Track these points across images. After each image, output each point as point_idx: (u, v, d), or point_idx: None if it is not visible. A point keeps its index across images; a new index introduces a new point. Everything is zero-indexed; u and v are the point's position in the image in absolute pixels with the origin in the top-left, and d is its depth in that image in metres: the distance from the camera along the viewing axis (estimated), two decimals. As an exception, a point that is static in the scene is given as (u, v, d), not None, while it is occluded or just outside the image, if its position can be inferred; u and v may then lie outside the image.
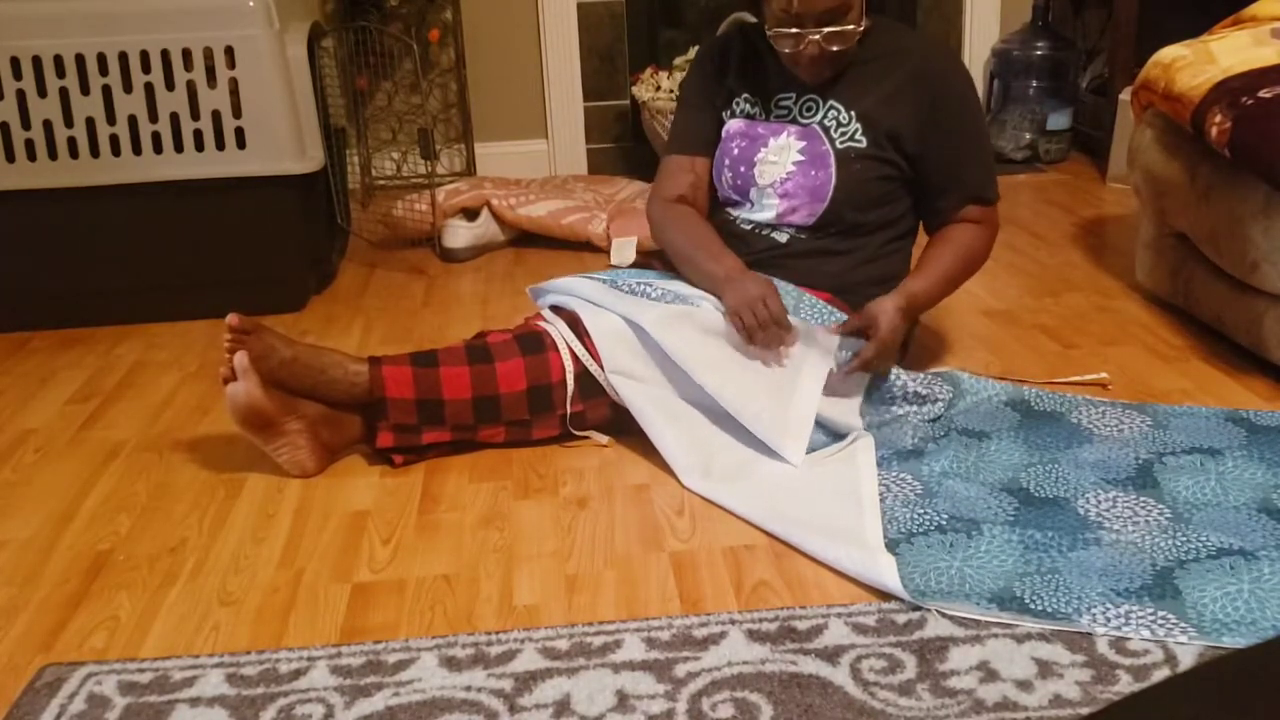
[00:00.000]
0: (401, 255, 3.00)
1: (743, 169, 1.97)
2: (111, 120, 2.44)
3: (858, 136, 1.91)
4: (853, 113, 1.91)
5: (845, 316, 1.91)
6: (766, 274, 1.91)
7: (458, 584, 1.54)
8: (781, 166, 1.93)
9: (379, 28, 3.22)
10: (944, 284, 1.95)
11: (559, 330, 1.86)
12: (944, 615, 1.41)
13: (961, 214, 1.97)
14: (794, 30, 1.83)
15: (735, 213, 2.01)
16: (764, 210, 1.96)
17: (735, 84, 2.02)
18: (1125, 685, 1.29)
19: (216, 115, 2.45)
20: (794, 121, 1.95)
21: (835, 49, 1.85)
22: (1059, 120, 3.60)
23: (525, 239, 3.04)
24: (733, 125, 2.01)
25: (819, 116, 1.93)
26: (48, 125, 2.43)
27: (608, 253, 2.88)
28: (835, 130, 1.92)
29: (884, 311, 1.85)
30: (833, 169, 1.91)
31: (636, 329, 1.84)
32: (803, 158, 1.92)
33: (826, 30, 1.83)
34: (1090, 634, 1.37)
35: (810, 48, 1.84)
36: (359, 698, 1.32)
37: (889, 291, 2.01)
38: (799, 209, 1.93)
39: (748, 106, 2.00)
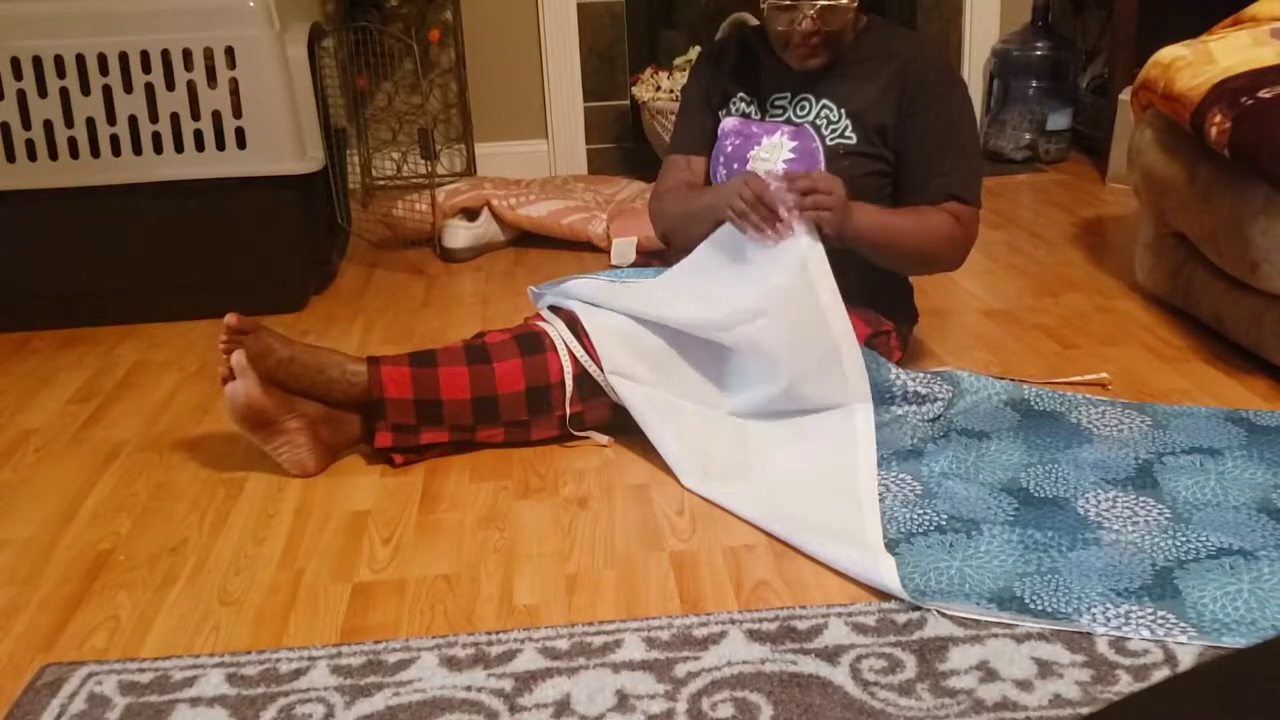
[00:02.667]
0: (401, 255, 3.00)
1: (736, 166, 1.98)
2: (112, 120, 2.44)
3: (847, 133, 1.92)
4: (843, 110, 1.92)
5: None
6: None
7: (458, 584, 1.54)
8: (773, 163, 1.94)
9: (379, 28, 3.22)
10: (888, 232, 1.86)
11: (558, 331, 1.86)
12: (944, 615, 1.41)
13: (943, 206, 1.92)
14: (789, 3, 1.85)
15: None
16: None
17: (731, 84, 2.04)
18: (1125, 685, 1.29)
19: (217, 115, 2.45)
20: (788, 121, 1.96)
21: (828, 29, 1.86)
22: (1059, 120, 3.60)
23: (525, 239, 3.04)
24: (728, 123, 2.02)
25: (811, 114, 1.94)
26: (48, 125, 2.43)
27: (608, 253, 2.88)
28: (826, 128, 1.93)
29: (836, 179, 1.78)
30: (821, 165, 1.92)
31: (640, 324, 1.85)
32: (794, 156, 1.93)
33: (820, 5, 1.83)
34: (1090, 634, 1.37)
35: (804, 23, 1.85)
36: (359, 698, 1.32)
37: (891, 299, 2.02)
38: None
39: (743, 105, 2.02)
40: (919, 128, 1.91)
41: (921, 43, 2.01)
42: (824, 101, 1.94)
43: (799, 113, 1.95)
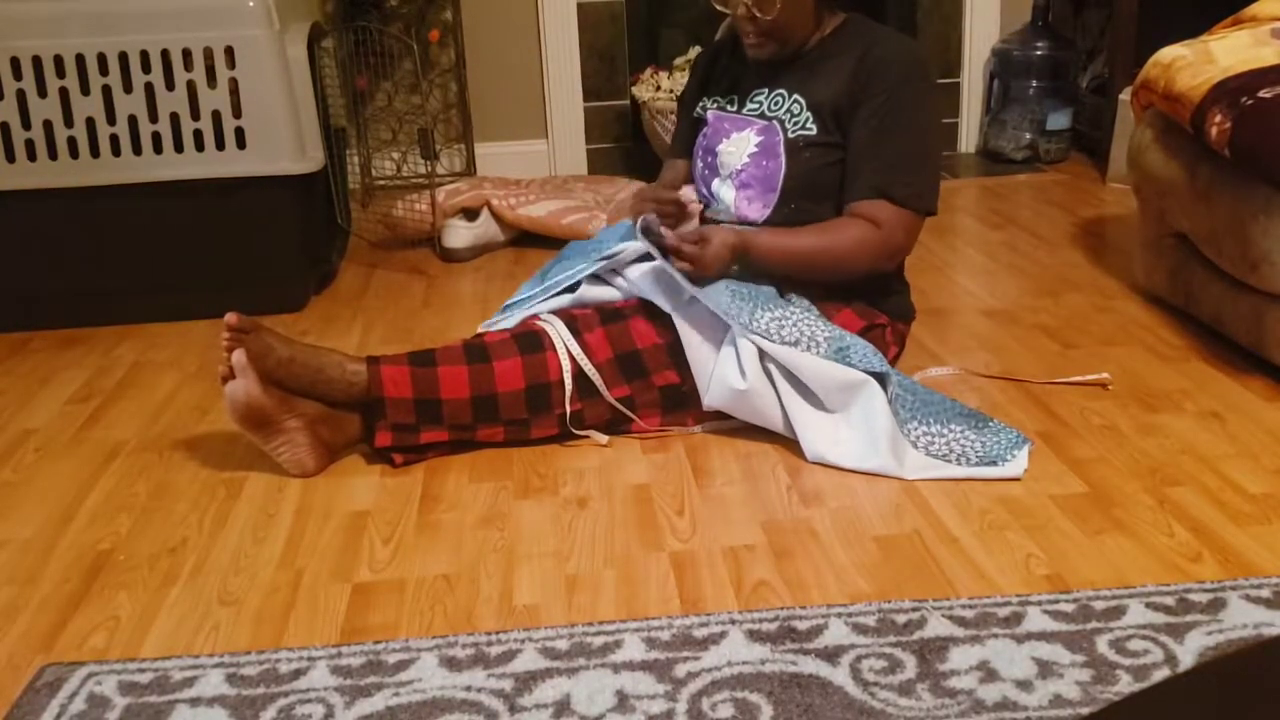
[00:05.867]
0: (401, 255, 3.00)
1: (710, 158, 2.02)
2: (111, 120, 2.44)
3: (808, 125, 1.93)
4: (805, 102, 1.95)
5: (831, 324, 1.89)
6: (756, 278, 1.94)
7: (458, 584, 1.54)
8: (738, 156, 1.97)
9: (379, 28, 3.22)
10: (789, 258, 1.90)
11: (557, 330, 1.86)
12: (944, 615, 1.41)
13: (864, 208, 1.89)
14: None
15: (707, 213, 2.05)
16: (723, 204, 2.00)
17: (717, 83, 2.08)
18: (1125, 685, 1.29)
19: (216, 115, 2.45)
20: (761, 116, 1.98)
21: (765, 17, 1.89)
22: (1059, 120, 3.60)
23: (525, 239, 3.04)
24: (709, 116, 2.07)
25: (782, 109, 1.97)
26: (48, 125, 2.43)
27: (608, 253, 2.88)
28: (789, 121, 1.95)
29: (715, 236, 1.84)
30: (783, 158, 1.93)
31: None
32: (757, 150, 1.96)
33: None
34: (1093, 636, 1.37)
35: (740, 9, 1.91)
36: (359, 698, 1.32)
37: (885, 294, 2.02)
38: (754, 200, 1.96)
39: (723, 101, 2.05)
40: (863, 115, 1.90)
41: (893, 36, 2.00)
42: (795, 96, 1.96)
43: (772, 107, 1.98)
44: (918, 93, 1.93)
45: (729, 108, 2.04)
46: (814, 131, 1.93)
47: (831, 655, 1.35)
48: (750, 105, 2.00)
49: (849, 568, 1.54)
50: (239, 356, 1.76)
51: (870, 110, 1.89)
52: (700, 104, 2.09)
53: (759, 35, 1.93)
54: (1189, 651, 1.34)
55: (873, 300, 2.01)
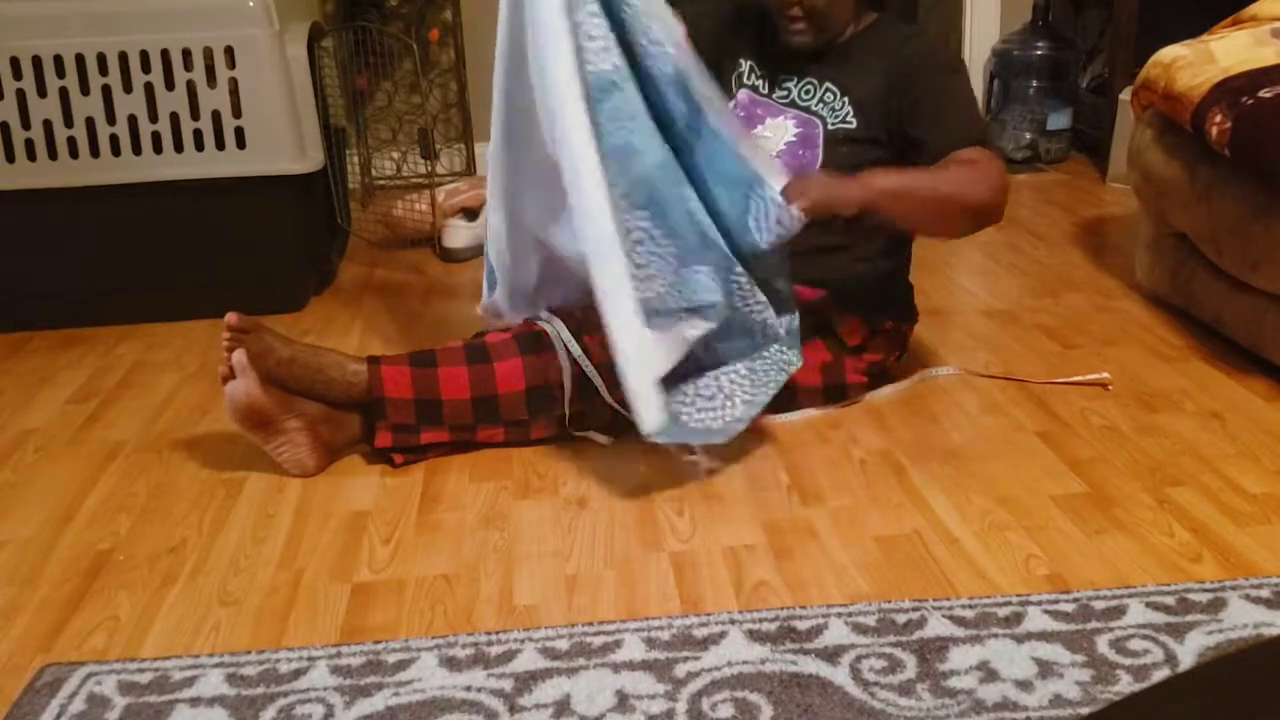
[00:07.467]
0: (401, 255, 3.00)
1: None
2: (111, 120, 2.43)
3: (849, 118, 1.93)
4: (846, 97, 1.94)
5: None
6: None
7: (458, 584, 1.54)
8: (773, 143, 1.97)
9: (379, 28, 3.22)
10: (913, 189, 1.81)
11: (557, 330, 1.86)
12: (944, 615, 1.41)
13: (957, 155, 1.85)
14: None
15: None
16: None
17: (746, 50, 2.05)
18: (1125, 685, 1.29)
19: (216, 115, 2.45)
20: (793, 105, 1.98)
21: (810, 4, 1.88)
22: (1059, 120, 3.60)
23: (525, 239, 3.04)
24: (740, 96, 2.05)
25: (815, 99, 1.96)
26: (48, 125, 2.43)
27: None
28: (828, 113, 1.95)
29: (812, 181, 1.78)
30: (820, 149, 1.93)
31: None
32: (795, 140, 1.95)
33: None
34: (1093, 636, 1.37)
35: None
36: (359, 698, 1.32)
37: (890, 298, 2.02)
38: None
39: (754, 79, 2.03)
40: (917, 97, 1.90)
41: (923, 33, 2.02)
42: (827, 85, 1.95)
43: (804, 96, 1.97)
44: (959, 74, 1.97)
45: (761, 88, 2.02)
46: (854, 125, 1.93)
47: (831, 655, 1.35)
48: (779, 92, 2.00)
49: (849, 568, 1.54)
50: (239, 356, 1.76)
51: (922, 91, 1.89)
52: (736, 66, 2.04)
53: (804, 23, 1.92)
54: (1189, 651, 1.34)
55: (879, 304, 2.01)
